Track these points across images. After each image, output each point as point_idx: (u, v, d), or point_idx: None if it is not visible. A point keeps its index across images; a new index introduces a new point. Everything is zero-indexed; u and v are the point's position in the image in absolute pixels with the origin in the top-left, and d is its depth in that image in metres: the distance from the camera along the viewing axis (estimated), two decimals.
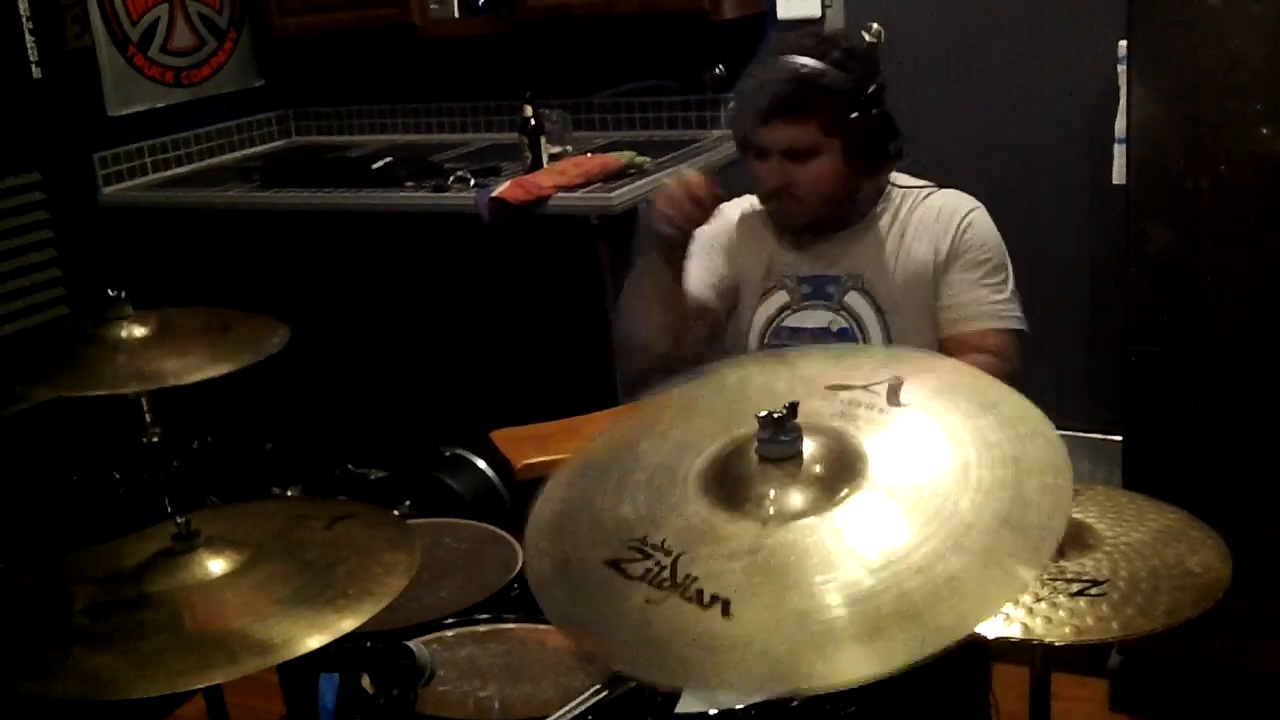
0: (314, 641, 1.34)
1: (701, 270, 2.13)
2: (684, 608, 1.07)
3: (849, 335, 2.05)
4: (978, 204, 2.08)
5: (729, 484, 1.19)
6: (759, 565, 1.08)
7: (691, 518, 1.16)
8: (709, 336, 2.14)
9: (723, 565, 1.09)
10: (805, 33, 2.32)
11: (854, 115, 1.94)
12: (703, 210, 1.94)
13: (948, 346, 2.01)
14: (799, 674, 1.02)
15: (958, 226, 2.03)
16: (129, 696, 1.33)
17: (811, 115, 1.95)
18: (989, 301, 2.02)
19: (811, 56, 1.94)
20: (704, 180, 1.96)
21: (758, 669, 1.02)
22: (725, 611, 1.05)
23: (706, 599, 1.06)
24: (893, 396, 1.24)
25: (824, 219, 2.08)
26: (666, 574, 1.10)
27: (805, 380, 1.31)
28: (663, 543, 1.14)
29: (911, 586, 1.05)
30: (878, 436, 1.20)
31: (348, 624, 1.35)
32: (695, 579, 1.09)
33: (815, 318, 2.09)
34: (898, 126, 2.02)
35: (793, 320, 2.11)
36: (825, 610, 1.04)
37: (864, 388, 1.26)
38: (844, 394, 1.26)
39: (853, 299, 2.06)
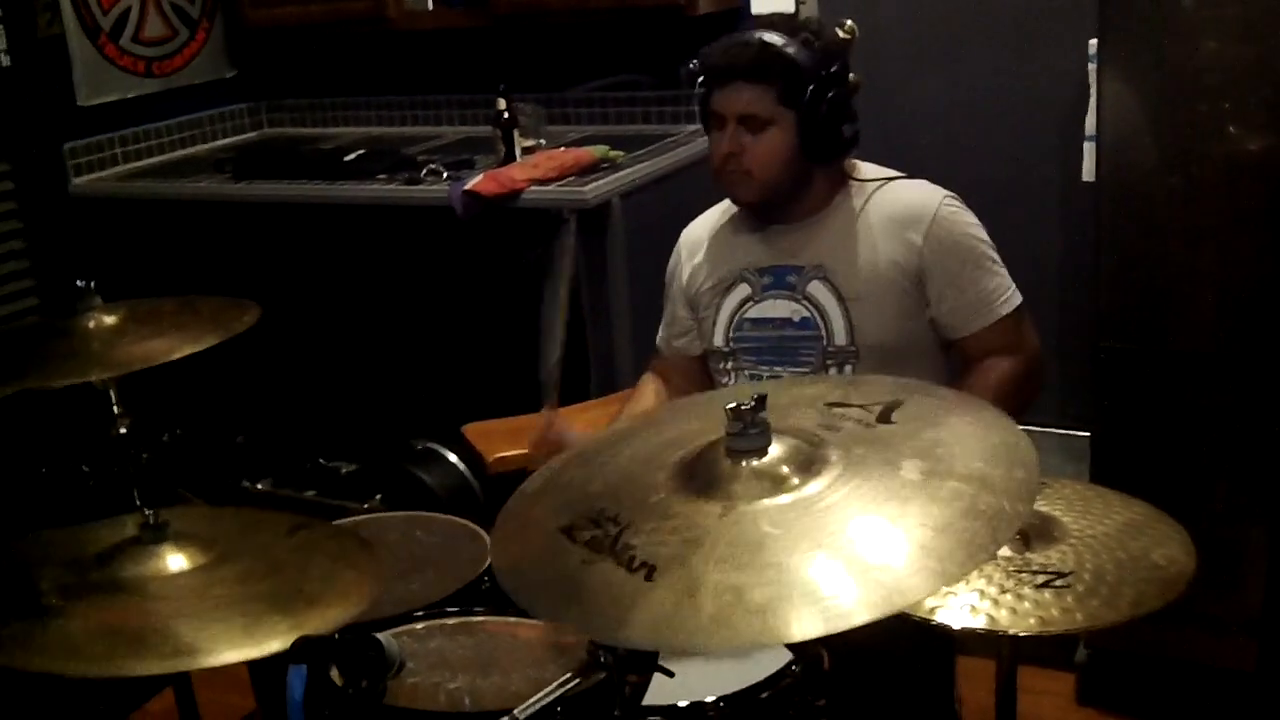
0: (276, 645, 1.36)
1: (676, 328, 2.26)
2: (613, 570, 1.15)
3: (811, 325, 2.06)
4: (945, 193, 2.08)
5: (696, 472, 1.24)
6: (693, 541, 1.15)
7: (651, 498, 1.23)
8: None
9: (661, 539, 1.17)
10: (778, 14, 2.39)
11: (811, 89, 1.98)
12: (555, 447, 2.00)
13: (964, 349, 2.05)
14: (696, 637, 1.08)
15: (930, 225, 2.02)
16: (103, 674, 1.35)
17: (769, 81, 1.99)
18: (986, 292, 2.03)
19: (778, 33, 2.00)
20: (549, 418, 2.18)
21: (662, 629, 1.10)
22: (648, 577, 1.13)
23: (635, 564, 1.14)
24: (884, 415, 1.30)
25: (776, 202, 2.08)
26: (609, 542, 1.18)
27: (812, 397, 1.38)
28: (616, 516, 1.21)
29: (826, 575, 1.10)
30: (852, 446, 1.24)
31: (310, 630, 1.36)
32: (633, 548, 1.17)
33: (777, 308, 2.09)
34: (856, 113, 2.04)
35: (754, 312, 2.11)
36: (737, 585, 1.10)
37: (862, 406, 1.32)
38: (840, 409, 1.33)
39: (815, 288, 2.06)
